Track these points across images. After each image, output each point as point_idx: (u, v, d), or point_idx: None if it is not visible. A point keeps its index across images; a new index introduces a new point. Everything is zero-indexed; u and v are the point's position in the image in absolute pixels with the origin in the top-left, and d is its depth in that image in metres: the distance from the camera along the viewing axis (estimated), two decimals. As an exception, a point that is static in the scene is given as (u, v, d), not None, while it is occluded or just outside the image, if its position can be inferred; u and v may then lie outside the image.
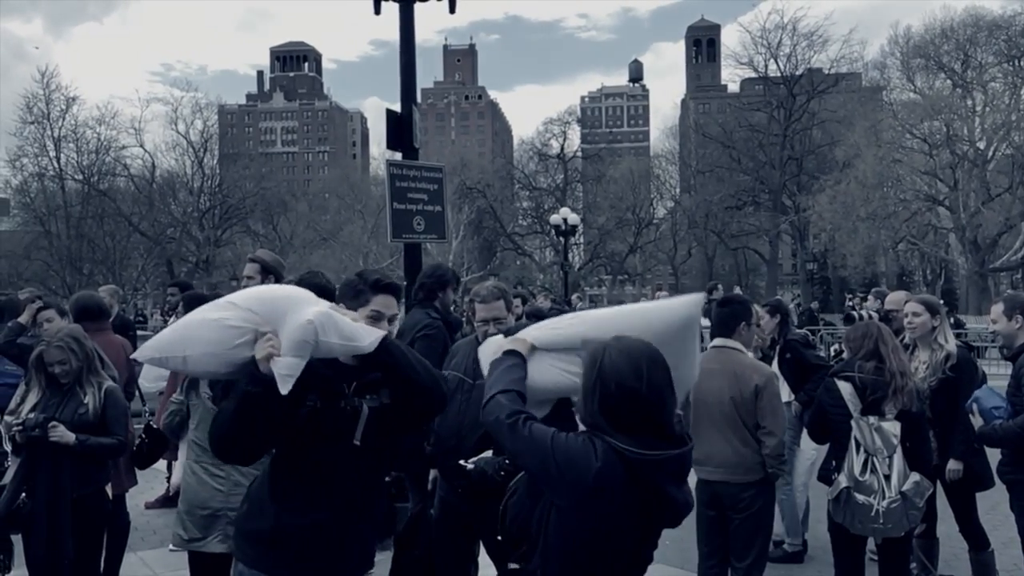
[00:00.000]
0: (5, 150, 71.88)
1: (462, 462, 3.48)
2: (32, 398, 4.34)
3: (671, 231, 60.43)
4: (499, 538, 2.53)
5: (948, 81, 44.91)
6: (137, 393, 5.68)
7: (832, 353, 15.27)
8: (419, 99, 9.14)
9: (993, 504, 5.52)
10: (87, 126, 50.73)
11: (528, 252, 60.94)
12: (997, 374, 7.62)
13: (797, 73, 55.53)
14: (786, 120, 55.70)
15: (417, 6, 7.76)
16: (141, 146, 53.92)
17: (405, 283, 7.03)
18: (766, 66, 56.49)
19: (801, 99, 55.18)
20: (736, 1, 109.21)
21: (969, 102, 42.95)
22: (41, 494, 4.21)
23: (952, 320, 12.98)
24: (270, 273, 4.85)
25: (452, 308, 6.31)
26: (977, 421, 4.52)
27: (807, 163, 55.00)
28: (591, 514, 2.21)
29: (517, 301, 6.77)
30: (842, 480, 4.29)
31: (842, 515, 4.31)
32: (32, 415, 4.22)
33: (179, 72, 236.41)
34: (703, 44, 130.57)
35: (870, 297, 11.36)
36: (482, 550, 4.02)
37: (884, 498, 4.18)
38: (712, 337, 4.69)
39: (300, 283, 3.83)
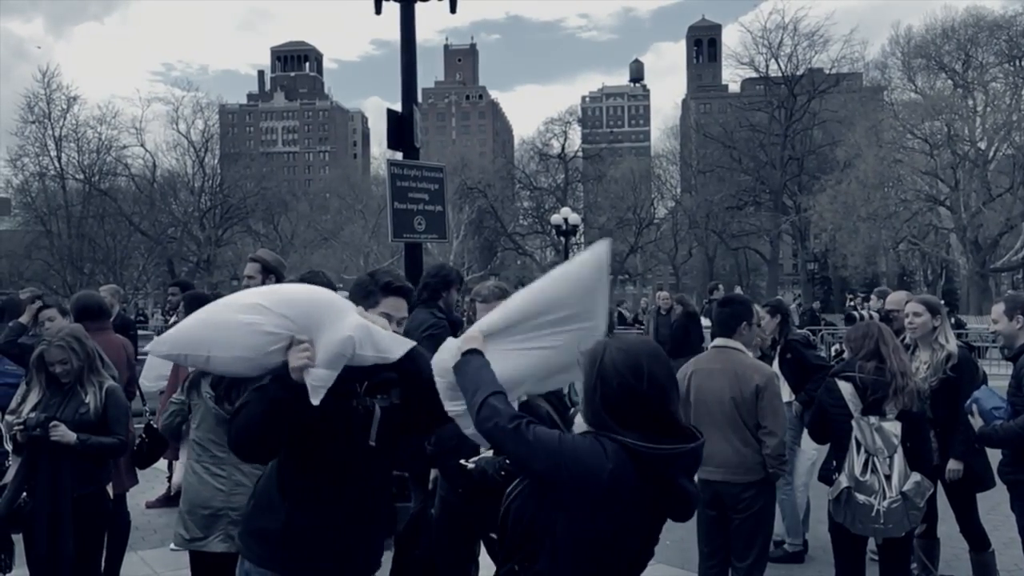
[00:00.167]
0: (6, 150, 72.06)
1: (463, 462, 3.48)
2: (33, 398, 4.34)
3: (672, 231, 60.40)
4: (493, 536, 2.52)
5: (949, 81, 44.92)
6: (138, 392, 5.69)
7: (833, 353, 15.30)
8: (420, 99, 9.14)
9: (994, 504, 5.52)
10: (88, 126, 50.89)
11: (529, 252, 60.93)
12: (998, 374, 7.62)
13: (798, 73, 55.48)
14: (787, 120, 55.67)
15: (418, 6, 7.77)
16: (142, 146, 54.08)
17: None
18: (767, 66, 56.50)
19: (802, 99, 55.14)
20: (737, 1, 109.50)
21: (970, 102, 42.94)
22: (42, 493, 4.21)
23: (953, 320, 12.97)
24: (271, 273, 4.85)
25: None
26: (976, 422, 4.51)
27: (808, 163, 54.98)
28: (602, 514, 2.20)
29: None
30: (843, 480, 4.29)
31: (843, 515, 4.31)
32: (33, 414, 4.22)
33: (180, 72, 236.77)
34: (704, 44, 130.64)
35: (872, 297, 11.35)
36: (482, 550, 4.02)
37: (885, 498, 4.18)
38: (713, 337, 4.70)
39: (301, 282, 3.83)
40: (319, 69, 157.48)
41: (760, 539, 4.45)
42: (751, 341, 4.80)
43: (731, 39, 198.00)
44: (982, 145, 41.90)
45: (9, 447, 4.32)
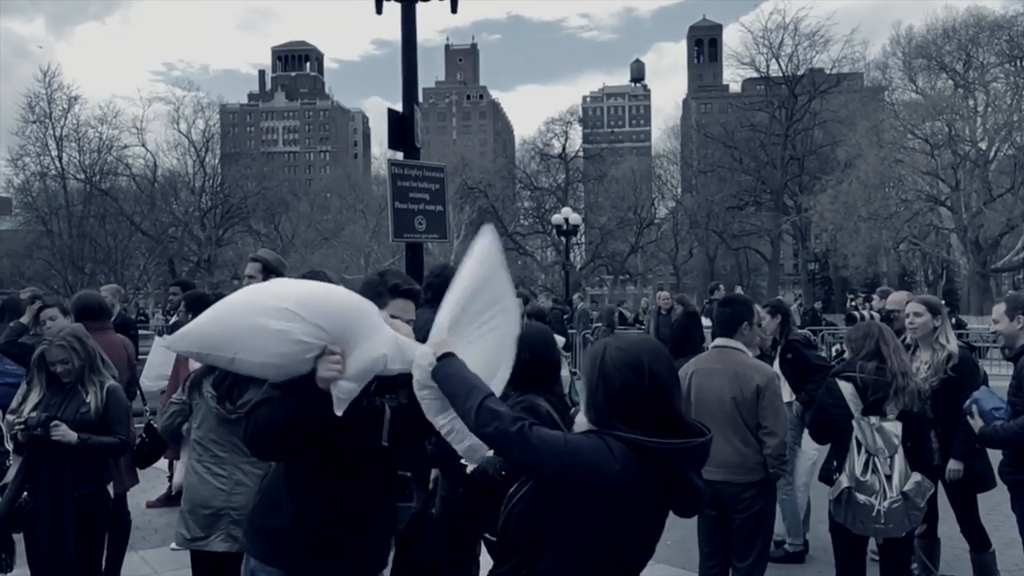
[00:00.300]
0: (7, 149, 72.16)
1: (463, 461, 3.47)
2: (34, 397, 4.35)
3: (672, 231, 60.36)
4: (489, 537, 2.52)
5: (950, 81, 44.93)
6: (138, 392, 5.69)
7: (834, 353, 15.29)
8: (421, 99, 9.14)
9: (995, 505, 5.52)
10: (89, 125, 50.83)
11: (529, 252, 60.89)
12: (998, 375, 7.62)
13: (799, 73, 55.45)
14: (788, 120, 55.65)
15: (419, 6, 7.75)
16: (143, 145, 54.05)
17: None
18: (768, 66, 56.46)
19: (803, 99, 55.12)
20: (738, 1, 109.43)
21: (971, 102, 42.94)
22: (43, 493, 4.22)
23: (954, 320, 12.97)
24: (272, 272, 4.85)
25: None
26: (976, 423, 4.51)
27: (809, 163, 54.96)
28: (608, 514, 2.19)
29: (518, 301, 6.76)
30: (843, 480, 4.29)
31: (843, 515, 4.31)
32: (34, 414, 4.23)
33: (181, 71, 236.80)
34: (705, 44, 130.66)
35: (875, 297, 11.35)
36: (483, 550, 4.02)
37: (885, 498, 4.18)
38: (714, 337, 4.70)
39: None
40: (320, 69, 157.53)
41: (761, 539, 4.45)
42: (752, 341, 4.81)
43: (732, 39, 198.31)
44: (983, 145, 41.90)
45: (10, 447, 4.32)
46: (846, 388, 4.38)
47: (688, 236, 59.62)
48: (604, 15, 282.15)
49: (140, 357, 6.81)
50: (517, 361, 3.54)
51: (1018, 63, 44.10)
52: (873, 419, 4.28)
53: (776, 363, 5.99)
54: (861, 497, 4.22)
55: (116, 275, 45.92)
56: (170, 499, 6.97)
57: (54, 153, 49.94)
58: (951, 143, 40.17)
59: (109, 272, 47.14)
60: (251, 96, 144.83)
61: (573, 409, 4.21)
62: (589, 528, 2.21)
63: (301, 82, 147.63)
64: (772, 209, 55.89)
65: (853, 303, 21.88)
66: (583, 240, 57.71)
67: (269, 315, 2.52)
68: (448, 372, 2.41)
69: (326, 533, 2.74)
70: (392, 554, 4.16)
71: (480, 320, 2.62)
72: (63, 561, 4.22)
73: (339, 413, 2.53)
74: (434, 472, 4.28)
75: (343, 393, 2.53)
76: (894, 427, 4.25)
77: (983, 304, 35.17)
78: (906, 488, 4.19)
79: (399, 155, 8.04)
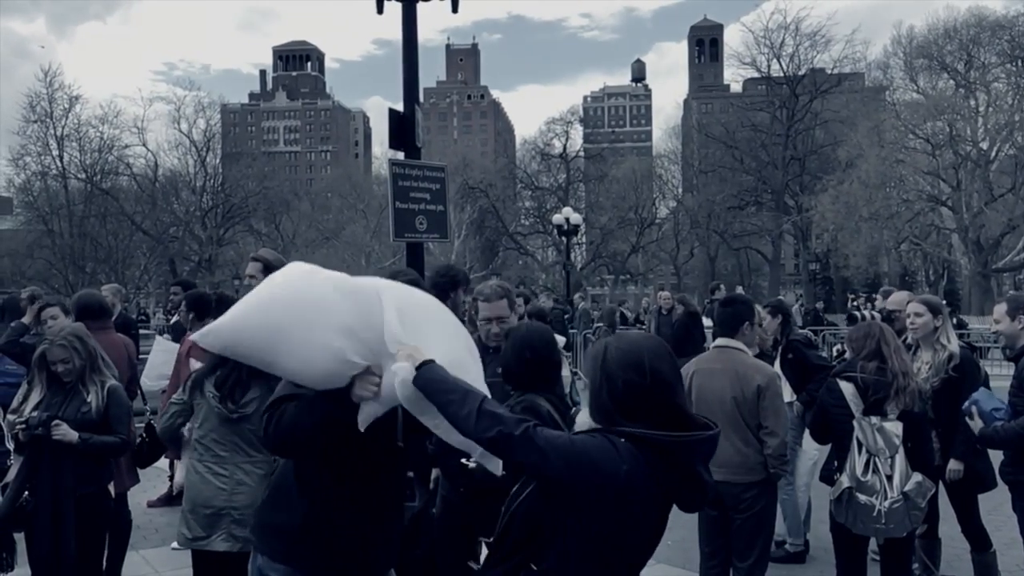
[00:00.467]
0: (8, 149, 72.13)
1: (464, 460, 3.47)
2: (35, 397, 4.35)
3: (673, 231, 60.39)
4: (485, 540, 2.52)
5: (951, 81, 44.91)
6: (138, 392, 5.69)
7: (835, 353, 15.30)
8: (422, 98, 9.13)
9: (995, 505, 5.52)
10: (90, 125, 50.86)
11: (530, 252, 60.94)
12: (999, 375, 7.61)
13: (800, 73, 55.47)
14: (789, 120, 55.66)
15: (420, 5, 7.74)
16: (144, 145, 54.07)
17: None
18: (769, 66, 56.51)
19: (804, 99, 55.12)
20: (739, 1, 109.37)
21: (972, 102, 42.94)
22: (44, 493, 4.22)
23: (955, 321, 12.97)
24: (272, 272, 4.85)
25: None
26: (976, 424, 4.50)
27: (810, 163, 54.98)
28: (614, 513, 2.19)
29: (519, 301, 6.77)
30: (844, 480, 4.29)
31: (844, 515, 4.31)
32: (35, 414, 4.23)
33: (182, 71, 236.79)
34: (706, 44, 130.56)
35: (878, 297, 11.33)
36: (483, 550, 4.01)
37: (886, 498, 4.18)
38: (715, 337, 4.70)
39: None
40: (321, 69, 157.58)
41: (761, 539, 4.45)
42: (753, 341, 4.80)
43: (733, 39, 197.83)
44: (984, 145, 41.90)
45: (11, 446, 4.32)
46: (847, 388, 4.38)
47: (689, 236, 59.64)
48: (605, 15, 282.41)
49: (141, 357, 6.82)
50: (518, 361, 3.55)
51: (1019, 63, 44.09)
52: (874, 419, 4.27)
53: (777, 363, 5.98)
54: (862, 497, 4.22)
55: (117, 275, 45.94)
56: (171, 499, 6.98)
57: (55, 153, 50.01)
58: (952, 143, 40.17)
59: (110, 272, 47.16)
60: (252, 96, 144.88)
61: (574, 409, 4.20)
62: (594, 527, 2.21)
63: (302, 82, 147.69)
64: (773, 209, 55.90)
65: (854, 303, 21.91)
66: (584, 240, 57.73)
67: (331, 330, 2.47)
68: (429, 380, 2.35)
69: (336, 531, 2.74)
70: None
71: (418, 314, 2.61)
72: (64, 561, 4.22)
73: (362, 429, 2.55)
74: (435, 472, 4.28)
75: (370, 411, 2.54)
76: (895, 427, 4.24)
77: (984, 304, 35.14)
78: (907, 488, 4.19)
79: (400, 155, 8.04)
